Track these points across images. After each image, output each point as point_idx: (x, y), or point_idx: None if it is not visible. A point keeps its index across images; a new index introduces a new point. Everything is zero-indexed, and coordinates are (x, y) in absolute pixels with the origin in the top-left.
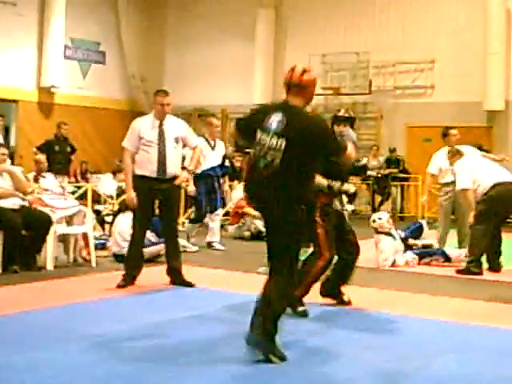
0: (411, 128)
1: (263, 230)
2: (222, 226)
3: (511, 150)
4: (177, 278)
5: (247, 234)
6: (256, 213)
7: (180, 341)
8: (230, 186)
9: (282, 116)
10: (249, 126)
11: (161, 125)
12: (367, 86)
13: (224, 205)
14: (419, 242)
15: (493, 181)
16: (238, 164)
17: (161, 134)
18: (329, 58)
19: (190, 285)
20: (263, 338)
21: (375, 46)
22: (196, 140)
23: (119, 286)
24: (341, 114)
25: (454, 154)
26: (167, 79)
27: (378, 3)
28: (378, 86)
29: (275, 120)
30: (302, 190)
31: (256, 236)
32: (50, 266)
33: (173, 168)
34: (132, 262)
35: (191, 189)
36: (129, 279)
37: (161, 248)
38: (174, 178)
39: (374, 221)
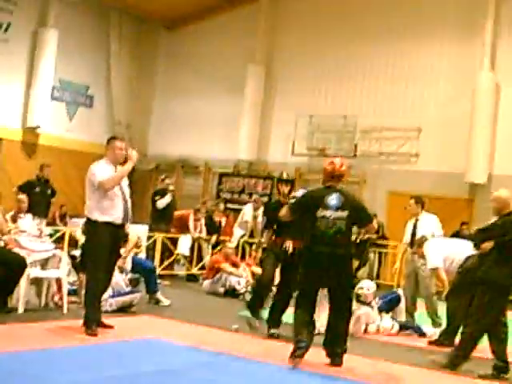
0: (393, 195)
1: (238, 287)
2: (197, 280)
3: None
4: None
5: (221, 290)
6: (232, 269)
7: None
8: (208, 240)
9: (339, 195)
10: (303, 206)
11: (116, 171)
12: (352, 149)
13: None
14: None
15: (465, 254)
16: (217, 218)
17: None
18: (316, 120)
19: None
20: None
21: (363, 110)
22: None
23: (88, 334)
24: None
25: (420, 245)
26: (153, 128)
27: (368, 68)
28: (363, 151)
29: (334, 199)
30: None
31: (230, 293)
32: (20, 308)
33: (130, 213)
34: (95, 309)
35: None
36: (93, 324)
37: (134, 297)
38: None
39: (361, 288)
